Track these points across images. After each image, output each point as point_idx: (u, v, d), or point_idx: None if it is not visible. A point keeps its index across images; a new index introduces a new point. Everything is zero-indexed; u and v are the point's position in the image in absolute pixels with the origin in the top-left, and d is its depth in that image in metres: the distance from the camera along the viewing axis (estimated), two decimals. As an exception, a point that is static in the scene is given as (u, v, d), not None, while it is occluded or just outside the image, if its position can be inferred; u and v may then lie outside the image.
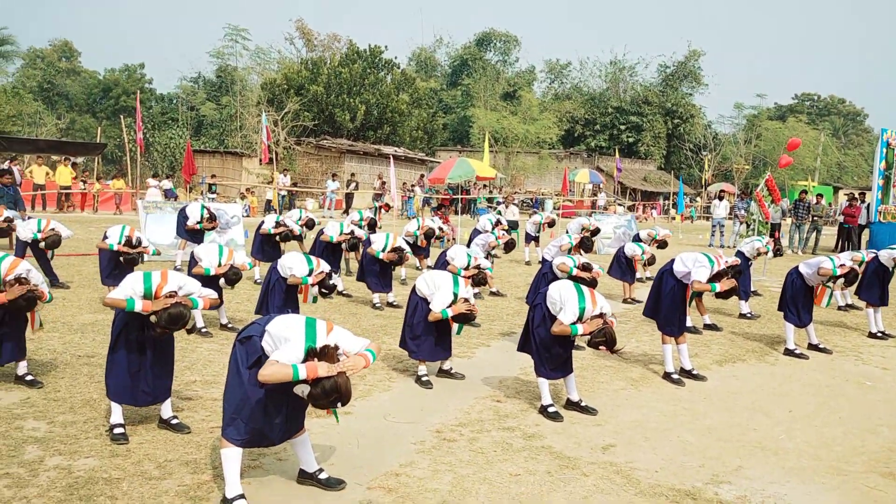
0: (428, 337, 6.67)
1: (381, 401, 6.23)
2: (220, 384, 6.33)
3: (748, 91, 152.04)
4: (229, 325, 8.51)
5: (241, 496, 4.09)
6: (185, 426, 5.20)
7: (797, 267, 8.84)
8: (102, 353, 7.06)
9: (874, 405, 6.82)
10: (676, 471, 5.02)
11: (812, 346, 8.84)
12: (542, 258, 10.32)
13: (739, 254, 11.23)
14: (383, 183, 31.94)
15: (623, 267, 12.13)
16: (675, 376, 7.26)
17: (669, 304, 7.44)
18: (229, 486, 4.11)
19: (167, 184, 27.32)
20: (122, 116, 33.22)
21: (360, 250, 11.57)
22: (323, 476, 4.41)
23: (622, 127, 54.11)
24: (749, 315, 11.03)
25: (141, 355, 4.98)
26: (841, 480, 5.00)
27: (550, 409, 6.04)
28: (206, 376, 6.60)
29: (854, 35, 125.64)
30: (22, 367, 6.06)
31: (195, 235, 12.16)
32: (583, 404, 6.17)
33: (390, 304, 10.52)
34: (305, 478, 4.42)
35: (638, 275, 13.41)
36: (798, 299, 8.65)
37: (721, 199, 26.66)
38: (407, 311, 6.91)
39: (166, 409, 5.23)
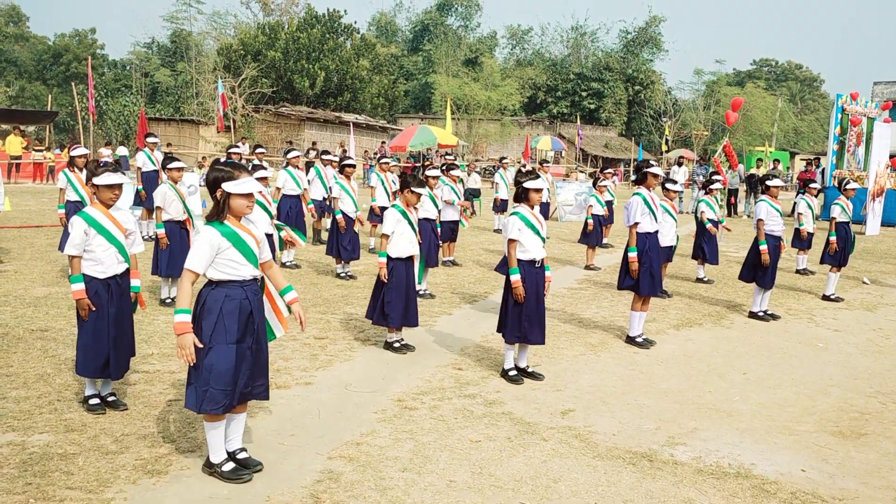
0: (399, 303, 6.66)
1: (342, 371, 6.22)
2: (175, 357, 6.26)
3: (708, 57, 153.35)
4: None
5: (230, 458, 4.17)
6: (122, 403, 5.10)
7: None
8: (56, 327, 6.95)
9: (825, 366, 7.01)
10: (633, 433, 5.11)
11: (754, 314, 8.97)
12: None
13: (698, 220, 11.38)
14: (344, 151, 31.62)
15: (587, 231, 12.23)
16: (640, 339, 7.38)
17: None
18: (214, 452, 4.14)
19: (122, 150, 26.67)
20: (73, 83, 32.24)
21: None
22: (242, 456, 4.31)
23: (584, 94, 54.20)
24: (705, 280, 11.22)
25: (108, 328, 4.86)
26: (793, 440, 5.14)
27: (512, 373, 6.11)
28: (164, 349, 6.51)
29: (812, 0, 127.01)
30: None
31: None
32: (529, 370, 6.25)
33: (351, 276, 10.44)
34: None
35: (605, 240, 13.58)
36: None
37: (680, 165, 26.97)
38: (379, 278, 6.80)
39: (107, 386, 5.13)
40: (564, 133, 49.18)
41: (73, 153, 9.24)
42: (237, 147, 13.69)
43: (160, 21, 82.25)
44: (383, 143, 37.78)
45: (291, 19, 46.93)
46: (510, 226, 5.97)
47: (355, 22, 48.38)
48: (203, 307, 4.04)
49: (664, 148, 45.81)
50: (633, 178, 7.55)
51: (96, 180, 4.84)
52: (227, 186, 3.99)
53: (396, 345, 6.87)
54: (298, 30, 42.36)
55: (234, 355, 4.01)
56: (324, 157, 13.44)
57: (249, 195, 4.05)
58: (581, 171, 39.52)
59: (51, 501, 3.77)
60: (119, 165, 5.64)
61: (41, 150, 25.53)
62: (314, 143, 33.17)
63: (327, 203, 12.49)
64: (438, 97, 45.34)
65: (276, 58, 39.71)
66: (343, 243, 10.16)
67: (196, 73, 42.71)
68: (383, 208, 12.55)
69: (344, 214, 10.20)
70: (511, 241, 5.97)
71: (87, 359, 4.87)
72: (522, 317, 5.99)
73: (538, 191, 6.06)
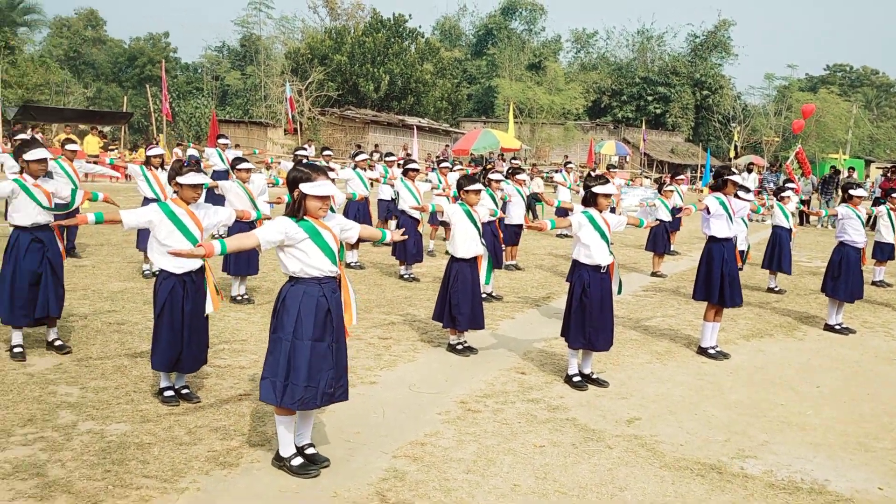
0: (466, 305, 6.68)
1: (407, 371, 6.27)
2: (247, 352, 6.42)
3: (779, 62, 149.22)
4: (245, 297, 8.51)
5: (299, 453, 4.26)
6: (195, 396, 5.25)
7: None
8: (132, 321, 7.20)
9: (904, 382, 6.74)
10: (701, 445, 5.01)
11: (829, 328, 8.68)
12: None
13: (775, 226, 11.03)
14: (408, 154, 31.87)
15: (656, 238, 12.03)
16: (713, 350, 7.22)
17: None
18: (284, 446, 4.23)
19: (192, 151, 27.42)
20: (147, 85, 33.38)
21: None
22: (310, 451, 4.38)
23: (649, 98, 53.34)
24: (776, 290, 10.91)
25: (183, 323, 5.01)
26: (869, 456, 4.96)
27: (576, 379, 6.06)
28: (234, 345, 6.68)
29: (889, 4, 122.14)
30: (52, 333, 6.16)
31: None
32: (594, 377, 6.18)
33: (414, 279, 10.51)
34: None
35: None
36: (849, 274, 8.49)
37: (750, 171, 26.29)
38: (446, 281, 6.86)
39: (180, 379, 5.30)
40: (629, 138, 48.51)
41: (149, 153, 9.53)
42: (304, 149, 13.93)
43: (231, 25, 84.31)
44: (447, 146, 37.97)
45: (357, 24, 47.57)
46: (575, 216, 5.96)
47: (420, 26, 48.71)
48: (282, 302, 4.13)
49: (732, 154, 44.72)
50: (710, 183, 7.41)
51: (181, 179, 4.99)
52: (304, 187, 4.07)
53: (459, 347, 6.88)
54: (364, 34, 42.91)
55: (312, 351, 4.07)
56: (387, 158, 13.58)
57: (325, 197, 4.11)
58: (646, 177, 38.95)
59: (128, 489, 3.90)
60: (200, 165, 5.80)
61: (114, 149, 26.45)
62: (377, 146, 33.54)
63: (394, 204, 12.61)
64: (501, 101, 45.30)
65: (342, 62, 40.30)
66: (407, 246, 10.24)
67: (265, 76, 43.68)
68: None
69: (406, 216, 10.29)
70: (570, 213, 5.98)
71: (162, 353, 5.03)
72: (587, 323, 5.94)
73: (607, 196, 6.00)
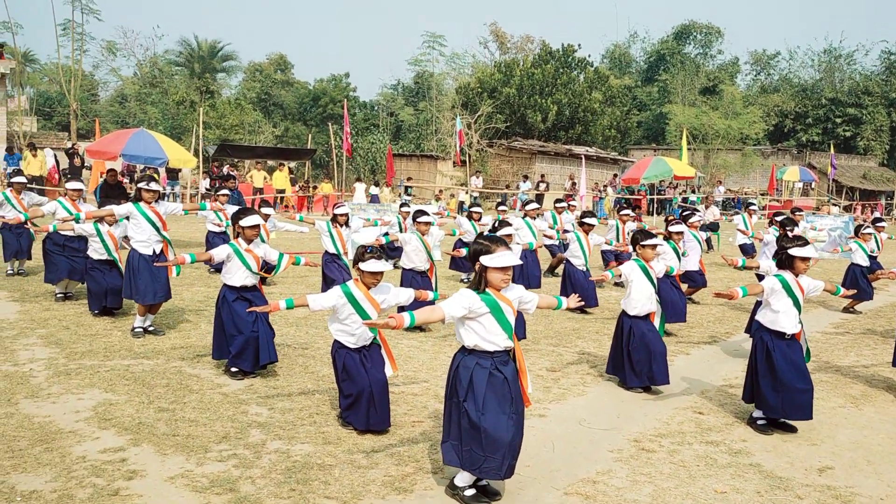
0: (644, 362, 6.49)
1: (576, 405, 6.17)
2: (419, 381, 6.60)
3: None
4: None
5: (472, 485, 4.30)
6: None
7: None
8: (315, 345, 7.63)
9: None
10: (908, 502, 4.53)
11: None
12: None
13: None
14: (574, 184, 31.65)
15: (855, 281, 11.08)
16: None
17: None
18: (460, 477, 4.30)
19: (374, 189, 28.84)
20: (329, 123, 35.52)
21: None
22: (483, 483, 4.38)
23: (838, 120, 49.58)
24: None
25: (370, 383, 5.22)
26: None
27: (760, 422, 5.69)
28: (407, 371, 6.89)
29: None
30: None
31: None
32: (780, 420, 5.75)
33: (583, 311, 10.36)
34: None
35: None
36: None
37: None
38: (621, 335, 6.67)
39: None
40: (815, 163, 45.28)
41: (336, 211, 9.88)
42: (477, 204, 14.14)
43: (405, 64, 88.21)
44: (615, 175, 37.31)
45: (527, 56, 48.08)
46: (768, 280, 5.63)
47: (589, 55, 48.07)
48: (455, 371, 4.27)
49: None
50: None
51: (362, 266, 5.17)
52: (485, 260, 4.13)
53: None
54: (533, 66, 43.28)
55: (487, 421, 4.08)
56: (557, 205, 13.58)
57: (506, 269, 4.15)
58: (834, 205, 36.15)
59: (312, 507, 4.12)
60: (384, 250, 6.11)
61: (297, 186, 28.32)
62: (543, 176, 33.59)
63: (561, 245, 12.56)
64: (673, 127, 43.91)
65: (511, 94, 40.82)
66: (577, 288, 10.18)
67: (436, 111, 45.15)
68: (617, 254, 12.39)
69: (571, 265, 10.32)
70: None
71: (357, 414, 5.28)
72: (779, 387, 5.55)
73: (805, 260, 5.62)
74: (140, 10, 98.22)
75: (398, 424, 5.47)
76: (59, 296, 9.45)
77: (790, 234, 5.73)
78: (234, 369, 6.46)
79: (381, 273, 5.25)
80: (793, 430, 5.68)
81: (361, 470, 4.62)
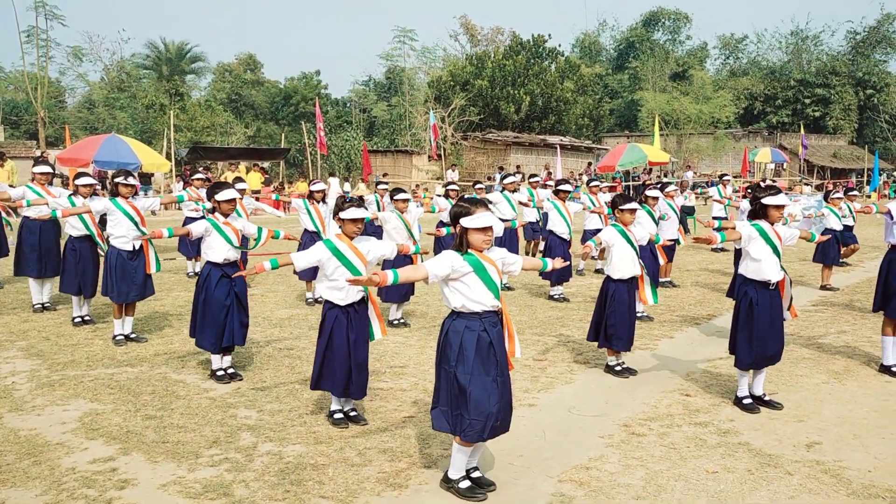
0: (623, 326, 6.56)
1: (564, 393, 6.21)
2: (408, 375, 6.60)
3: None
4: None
5: (466, 476, 4.31)
6: (363, 418, 5.43)
7: None
8: (300, 346, 7.59)
9: None
10: (894, 471, 4.61)
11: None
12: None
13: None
14: (549, 173, 31.77)
15: (826, 248, 11.22)
16: None
17: None
18: (455, 469, 4.30)
19: (346, 186, 28.75)
20: (302, 122, 35.32)
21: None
22: (476, 475, 4.41)
23: (807, 101, 50.26)
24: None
25: (349, 351, 5.23)
26: None
27: (746, 401, 5.77)
28: (395, 368, 6.88)
29: None
30: (227, 361, 6.55)
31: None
32: (766, 398, 5.83)
33: (564, 299, 10.42)
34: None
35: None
36: None
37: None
38: (602, 300, 6.75)
39: (349, 402, 5.49)
40: (786, 144, 45.86)
41: (312, 188, 10.06)
42: (453, 182, 14.11)
43: (377, 60, 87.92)
44: (589, 163, 37.50)
45: (497, 48, 48.14)
46: (744, 227, 5.71)
47: (559, 45, 48.61)
48: (445, 336, 4.24)
49: (906, 154, 41.26)
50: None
51: (343, 215, 5.23)
52: (465, 221, 4.15)
53: (618, 368, 6.73)
54: (504, 57, 43.34)
55: (476, 384, 4.09)
56: (531, 180, 13.58)
57: (486, 229, 4.16)
58: (806, 184, 36.63)
59: (307, 507, 4.10)
60: (363, 200, 6.07)
61: (272, 186, 28.13)
62: (518, 167, 33.66)
63: (539, 225, 12.61)
64: (645, 114, 44.23)
65: (483, 86, 40.86)
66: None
67: (409, 105, 45.09)
68: (594, 231, 12.46)
69: (555, 235, 10.25)
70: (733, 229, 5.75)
71: (328, 378, 5.26)
72: (755, 340, 5.64)
73: (779, 207, 5.69)
74: (105, 14, 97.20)
75: (388, 420, 5.47)
76: (36, 307, 9.31)
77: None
78: (219, 373, 6.42)
79: (363, 220, 5.26)
80: (779, 406, 5.76)
81: (355, 468, 4.61)
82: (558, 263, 5.07)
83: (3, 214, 10.64)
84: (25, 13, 68.88)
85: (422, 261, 8.44)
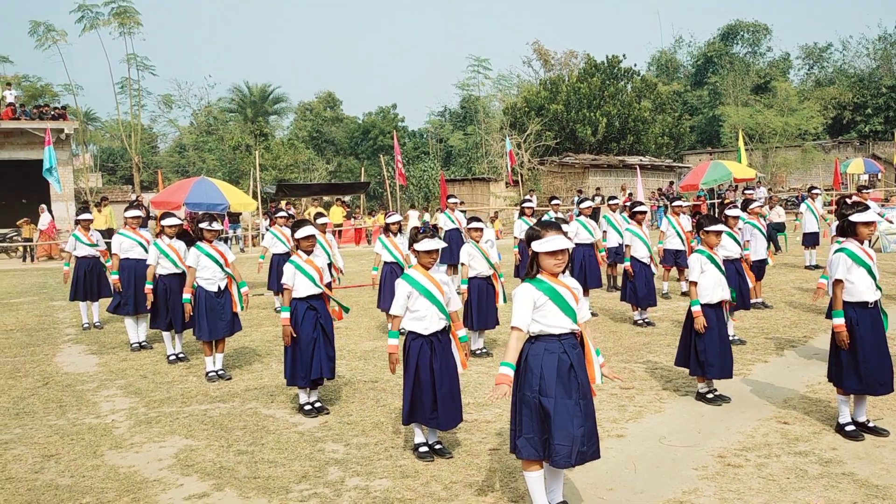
0: (713, 351, 6.34)
1: (654, 423, 6.03)
2: (492, 406, 6.55)
3: None
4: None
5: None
6: (448, 451, 5.40)
7: None
8: (385, 378, 7.65)
9: None
10: None
11: None
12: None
13: None
14: (629, 194, 31.24)
15: None
16: None
17: None
18: (537, 502, 4.21)
19: (426, 217, 29.08)
20: (381, 155, 36.02)
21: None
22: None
23: (900, 107, 47.91)
24: None
25: (433, 382, 5.23)
26: None
27: (849, 428, 5.47)
28: (479, 398, 6.84)
29: None
30: (314, 395, 6.67)
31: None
32: (870, 425, 5.51)
33: (649, 323, 10.18)
34: None
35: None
36: None
37: None
38: (687, 325, 6.55)
39: (433, 434, 5.48)
40: (879, 153, 43.76)
41: (388, 220, 10.21)
42: (529, 200, 14.15)
43: (452, 90, 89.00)
44: (671, 182, 36.71)
45: (571, 71, 47.97)
46: (838, 264, 5.43)
47: (635, 65, 47.73)
48: (525, 361, 4.18)
49: None
50: None
51: (417, 246, 5.31)
52: (535, 245, 4.12)
53: (710, 396, 6.50)
54: (579, 80, 43.12)
55: (559, 409, 4.02)
56: (611, 202, 13.40)
57: (557, 252, 4.11)
58: (904, 194, 34.75)
59: (395, 543, 4.10)
60: (437, 230, 6.13)
61: (356, 217, 28.73)
62: (598, 189, 33.25)
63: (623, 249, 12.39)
64: (728, 129, 43.10)
65: (559, 110, 40.72)
66: (638, 289, 9.97)
67: (485, 133, 45.32)
68: (675, 252, 12.20)
69: (636, 260, 10.04)
70: (838, 281, 5.43)
71: (412, 409, 5.28)
72: (860, 363, 5.35)
73: (868, 224, 5.43)
74: (192, 61, 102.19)
75: (473, 453, 5.43)
76: (134, 346, 9.72)
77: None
78: (306, 407, 6.53)
79: (437, 251, 5.33)
80: (885, 433, 5.44)
81: (441, 502, 4.59)
82: (606, 371, 4.53)
83: (102, 258, 11.19)
84: (119, 65, 72.98)
85: (502, 288, 8.50)
